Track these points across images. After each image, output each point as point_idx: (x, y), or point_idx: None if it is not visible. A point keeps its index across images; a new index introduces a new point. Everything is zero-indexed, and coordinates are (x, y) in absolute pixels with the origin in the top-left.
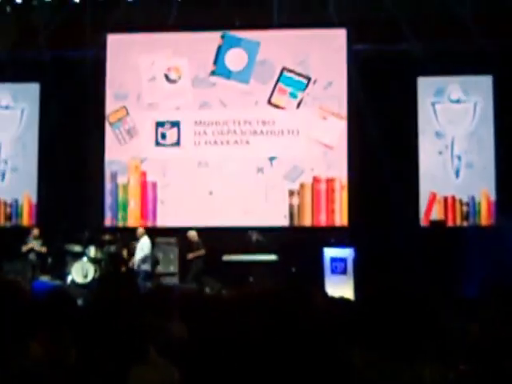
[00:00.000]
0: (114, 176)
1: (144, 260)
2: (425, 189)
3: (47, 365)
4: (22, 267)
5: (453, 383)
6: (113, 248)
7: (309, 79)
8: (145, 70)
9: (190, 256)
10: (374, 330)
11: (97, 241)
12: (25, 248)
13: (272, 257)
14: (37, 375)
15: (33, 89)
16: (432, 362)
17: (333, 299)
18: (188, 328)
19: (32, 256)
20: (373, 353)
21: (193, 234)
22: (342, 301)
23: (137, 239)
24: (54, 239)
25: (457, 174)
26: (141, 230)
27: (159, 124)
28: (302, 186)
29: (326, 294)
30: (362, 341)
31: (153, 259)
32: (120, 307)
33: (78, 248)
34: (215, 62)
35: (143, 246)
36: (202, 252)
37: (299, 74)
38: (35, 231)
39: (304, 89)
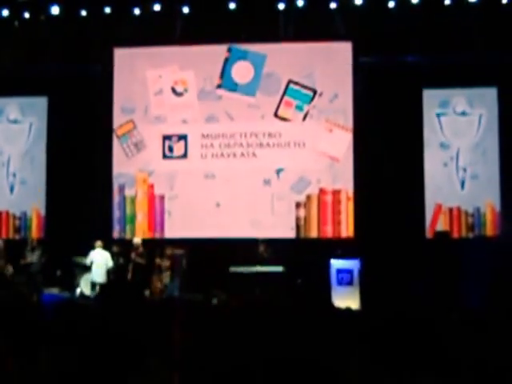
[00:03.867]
0: (121, 189)
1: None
2: (430, 200)
3: None
4: (29, 279)
5: None
6: (121, 260)
7: (315, 92)
8: (152, 83)
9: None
10: (378, 343)
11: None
12: (23, 262)
13: (278, 268)
14: None
15: (41, 103)
16: (433, 375)
17: (339, 310)
18: (192, 337)
19: (33, 268)
20: (375, 365)
21: (138, 241)
22: (348, 312)
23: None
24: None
25: (462, 185)
26: (98, 243)
27: (166, 137)
28: (308, 197)
29: (332, 305)
30: (364, 352)
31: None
32: (124, 317)
33: (86, 260)
34: (222, 75)
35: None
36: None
37: (305, 87)
38: (33, 242)
39: (310, 101)
